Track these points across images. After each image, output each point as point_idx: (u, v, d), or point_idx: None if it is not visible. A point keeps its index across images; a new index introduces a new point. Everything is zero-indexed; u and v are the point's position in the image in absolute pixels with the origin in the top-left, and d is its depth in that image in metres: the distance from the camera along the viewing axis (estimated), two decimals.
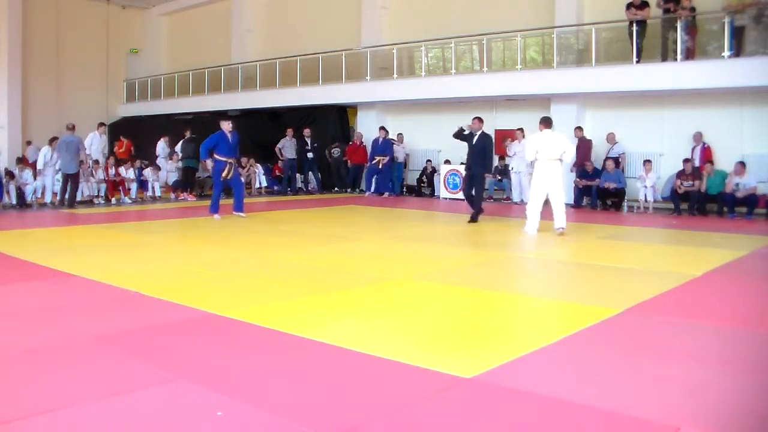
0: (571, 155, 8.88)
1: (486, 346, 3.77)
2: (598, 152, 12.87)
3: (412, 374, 3.24)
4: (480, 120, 9.98)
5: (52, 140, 12.53)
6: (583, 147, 12.58)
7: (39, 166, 12.44)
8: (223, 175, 10.08)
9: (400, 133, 15.65)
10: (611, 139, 12.69)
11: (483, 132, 9.91)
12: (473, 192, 10.08)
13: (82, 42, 21.30)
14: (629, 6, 11.98)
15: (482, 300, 4.95)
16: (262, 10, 20.43)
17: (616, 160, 12.35)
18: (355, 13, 17.34)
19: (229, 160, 10.12)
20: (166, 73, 21.98)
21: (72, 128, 12.39)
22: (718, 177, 11.21)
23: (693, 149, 12.03)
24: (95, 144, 14.20)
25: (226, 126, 10.11)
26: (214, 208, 10.07)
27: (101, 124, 14.79)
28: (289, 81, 17.49)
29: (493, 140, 10.11)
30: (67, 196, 11.91)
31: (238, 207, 10.22)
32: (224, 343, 3.78)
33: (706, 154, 11.82)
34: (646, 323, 4.31)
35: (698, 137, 11.95)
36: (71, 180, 11.93)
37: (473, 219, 9.89)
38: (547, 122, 8.73)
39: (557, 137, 8.66)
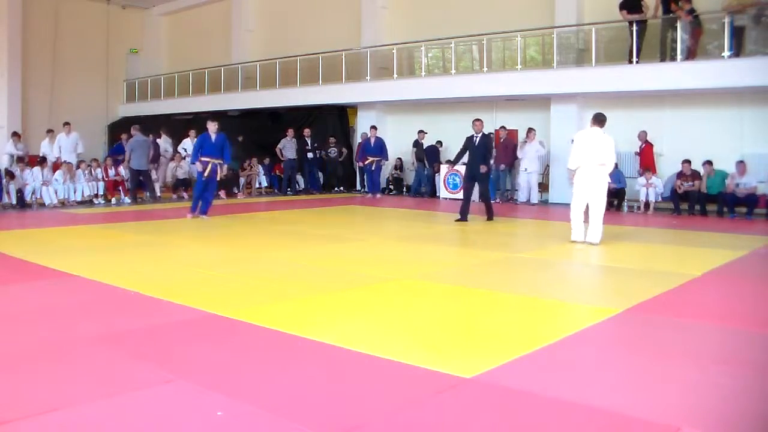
0: (612, 165, 7.90)
1: (486, 346, 3.76)
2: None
3: (412, 374, 3.24)
4: (481, 122, 10.10)
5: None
6: (507, 147, 13.27)
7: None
8: (205, 174, 10.09)
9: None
10: None
11: (483, 133, 10.06)
12: (471, 194, 10.10)
13: (81, 42, 21.28)
14: (621, 7, 12.01)
15: (482, 300, 4.95)
16: (262, 10, 20.44)
17: None
18: (355, 13, 17.34)
19: (212, 161, 10.13)
20: (166, 73, 21.97)
21: (140, 130, 13.38)
22: (718, 177, 11.21)
23: (640, 148, 12.17)
24: (63, 144, 14.13)
25: (211, 127, 10.19)
26: (194, 208, 10.22)
27: (66, 124, 14.69)
28: (289, 81, 17.49)
29: (493, 139, 10.20)
30: (146, 191, 13.32)
31: (203, 209, 10.24)
32: (224, 343, 3.78)
33: (647, 153, 11.97)
34: (646, 323, 4.31)
35: (643, 136, 12.10)
36: (143, 176, 13.08)
37: (463, 219, 9.91)
38: (599, 120, 7.73)
39: (605, 140, 7.69)
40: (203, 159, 10.12)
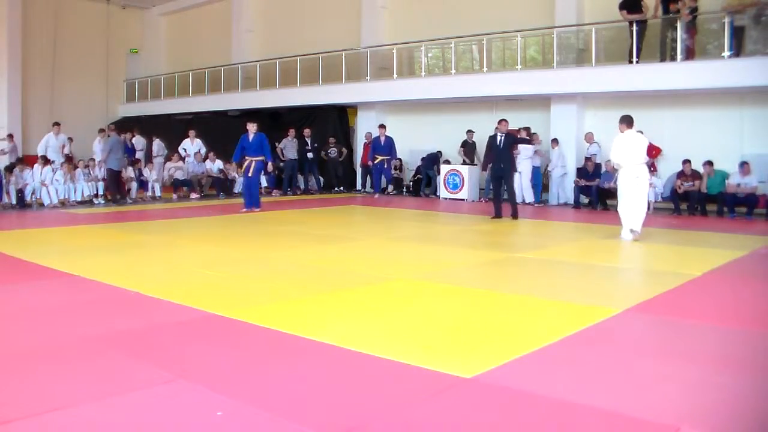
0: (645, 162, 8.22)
1: (486, 346, 3.76)
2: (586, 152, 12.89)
3: (412, 374, 3.24)
4: (506, 122, 10.50)
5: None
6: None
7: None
8: (241, 171, 11.53)
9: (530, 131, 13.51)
10: (589, 138, 12.82)
11: (508, 133, 10.40)
12: (501, 192, 10.52)
13: (81, 42, 21.30)
14: (621, 7, 12.01)
15: (482, 300, 4.94)
16: (262, 10, 20.44)
17: (589, 160, 12.64)
18: (355, 13, 17.35)
19: (251, 159, 11.12)
20: (166, 73, 21.98)
21: (114, 129, 13.34)
22: (718, 177, 11.21)
23: None
24: (51, 145, 14.14)
25: (251, 128, 11.15)
26: (248, 203, 11.24)
27: (56, 124, 14.65)
28: (289, 81, 17.49)
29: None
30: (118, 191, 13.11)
31: (255, 203, 11.28)
32: (224, 343, 3.78)
33: (655, 149, 12.03)
34: (646, 323, 4.31)
35: None
36: (118, 176, 12.93)
37: (498, 216, 10.27)
38: (629, 122, 8.08)
39: (640, 139, 8.08)
40: (247, 158, 11.16)
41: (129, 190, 13.50)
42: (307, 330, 3.94)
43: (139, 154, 16.10)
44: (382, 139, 14.71)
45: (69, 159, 13.72)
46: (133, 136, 15.83)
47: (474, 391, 3.04)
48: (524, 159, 13.29)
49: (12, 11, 18.64)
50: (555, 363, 3.48)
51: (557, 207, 13.08)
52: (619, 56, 12.27)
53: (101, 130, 15.09)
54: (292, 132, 15.69)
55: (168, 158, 15.18)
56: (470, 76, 14.37)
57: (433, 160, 15.15)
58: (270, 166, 11.52)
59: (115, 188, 12.99)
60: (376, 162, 14.77)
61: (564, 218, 11.03)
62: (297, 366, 3.39)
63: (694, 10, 11.34)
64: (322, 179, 16.62)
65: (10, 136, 14.89)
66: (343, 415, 2.77)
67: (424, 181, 15.39)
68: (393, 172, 15.82)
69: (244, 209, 11.12)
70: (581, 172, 12.71)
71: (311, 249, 7.43)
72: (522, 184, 13.45)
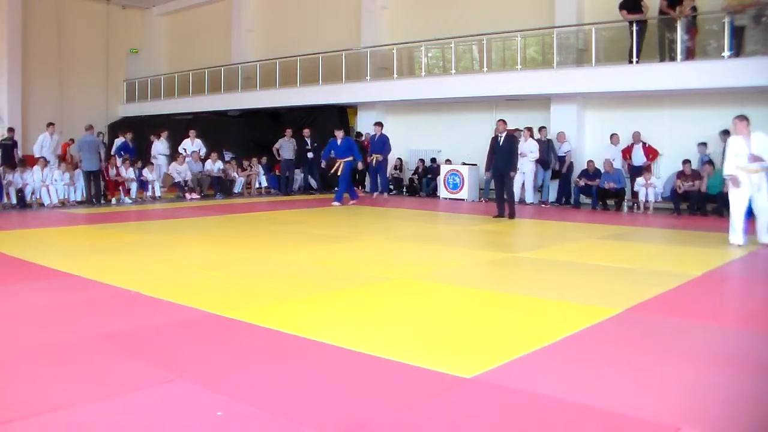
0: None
1: (486, 346, 3.76)
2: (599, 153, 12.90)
3: (412, 374, 3.24)
4: (504, 122, 10.58)
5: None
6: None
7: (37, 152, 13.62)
8: (332, 171, 12.94)
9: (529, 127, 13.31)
10: (561, 138, 12.97)
11: (508, 133, 10.45)
12: (504, 192, 10.57)
13: (82, 42, 21.31)
14: (621, 7, 12.02)
15: (482, 300, 4.95)
16: (262, 10, 20.45)
17: (562, 159, 12.88)
18: (355, 13, 17.35)
19: (341, 160, 12.65)
20: (166, 73, 21.99)
21: (90, 128, 13.01)
22: (718, 177, 11.18)
23: (631, 146, 12.41)
24: (45, 145, 14.12)
25: (338, 134, 12.88)
26: (338, 198, 12.77)
27: (50, 124, 14.57)
28: (289, 81, 17.50)
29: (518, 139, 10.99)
30: (93, 192, 12.66)
31: (353, 196, 12.98)
32: (224, 344, 3.78)
33: (652, 152, 12.27)
34: (646, 323, 4.31)
35: (636, 136, 12.35)
36: (94, 177, 12.59)
37: (500, 215, 10.41)
38: (747, 121, 7.49)
39: (761, 138, 7.45)
40: (337, 160, 12.65)
41: (129, 190, 13.49)
42: (307, 330, 3.94)
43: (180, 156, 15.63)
44: (377, 137, 14.65)
45: (68, 159, 13.70)
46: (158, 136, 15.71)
47: (474, 391, 3.04)
48: (529, 161, 13.24)
49: (12, 11, 18.64)
50: (555, 363, 3.48)
51: (557, 207, 13.07)
52: (619, 56, 12.27)
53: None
54: (288, 132, 15.66)
55: (174, 159, 15.01)
56: (470, 76, 14.36)
57: (435, 171, 15.11)
58: (360, 165, 13.01)
59: (88, 189, 12.63)
60: (370, 160, 14.72)
61: (564, 218, 11.03)
62: (297, 366, 3.39)
63: (693, 9, 11.34)
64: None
65: None
66: (343, 415, 2.77)
67: (427, 182, 15.38)
68: (393, 172, 15.82)
69: (336, 202, 12.60)
70: (583, 173, 12.74)
71: (311, 249, 7.43)
72: (525, 183, 13.42)
